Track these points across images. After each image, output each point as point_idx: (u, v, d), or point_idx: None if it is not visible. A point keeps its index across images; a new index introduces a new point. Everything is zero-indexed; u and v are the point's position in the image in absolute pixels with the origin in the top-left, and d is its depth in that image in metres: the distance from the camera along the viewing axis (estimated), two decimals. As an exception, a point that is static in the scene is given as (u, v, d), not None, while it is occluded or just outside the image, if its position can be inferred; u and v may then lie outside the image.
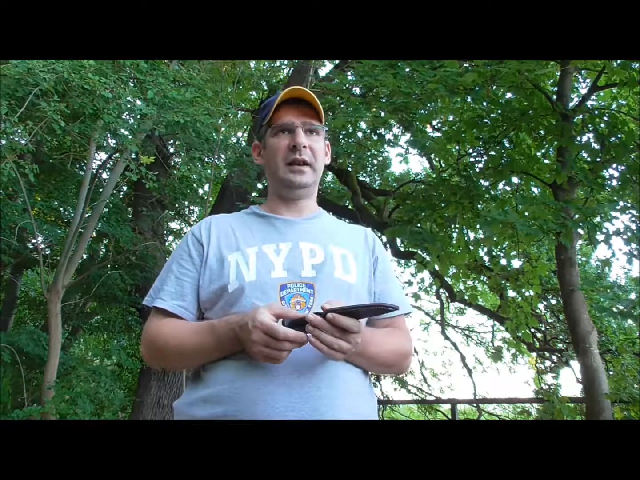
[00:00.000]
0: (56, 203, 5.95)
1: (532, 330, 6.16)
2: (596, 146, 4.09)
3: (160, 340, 1.09)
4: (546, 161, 4.63)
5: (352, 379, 1.05)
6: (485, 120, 4.38)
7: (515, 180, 4.75)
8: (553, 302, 7.01)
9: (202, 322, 1.10)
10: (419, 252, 5.40)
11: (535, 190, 4.86)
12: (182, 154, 4.73)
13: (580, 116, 4.21)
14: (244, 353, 1.00)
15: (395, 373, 1.27)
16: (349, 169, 6.71)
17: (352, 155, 6.48)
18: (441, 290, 7.27)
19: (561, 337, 7.02)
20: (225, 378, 1.01)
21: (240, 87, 6.87)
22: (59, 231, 5.65)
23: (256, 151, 1.29)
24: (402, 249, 6.81)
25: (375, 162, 7.62)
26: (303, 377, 0.98)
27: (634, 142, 3.80)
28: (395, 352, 1.13)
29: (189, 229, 1.38)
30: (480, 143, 4.56)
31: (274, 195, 1.25)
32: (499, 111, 4.28)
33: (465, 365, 7.65)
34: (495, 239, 4.04)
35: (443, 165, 5.89)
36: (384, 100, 4.25)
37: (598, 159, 4.03)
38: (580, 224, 3.71)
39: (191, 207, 8.04)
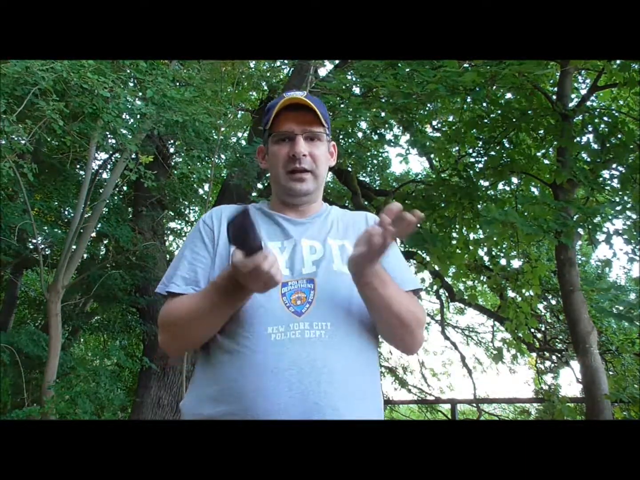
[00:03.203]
0: (56, 203, 5.93)
1: (532, 330, 6.16)
2: (596, 146, 4.09)
3: (172, 316, 1.10)
4: (546, 161, 4.63)
5: (355, 373, 1.04)
6: (485, 121, 4.38)
7: (515, 180, 4.75)
8: (553, 302, 7.00)
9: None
10: (419, 252, 5.40)
11: (535, 190, 4.86)
12: (182, 154, 4.73)
13: (580, 116, 4.21)
14: (243, 345, 1.01)
15: (407, 341, 1.18)
16: (349, 169, 6.71)
17: (353, 155, 6.47)
18: (441, 290, 7.27)
19: (561, 337, 7.02)
20: (228, 376, 1.02)
21: (240, 88, 6.86)
22: (59, 231, 5.64)
23: (260, 155, 1.29)
24: (402, 249, 6.80)
25: (375, 162, 7.62)
26: (303, 373, 0.98)
27: (634, 142, 3.80)
28: (411, 311, 1.10)
29: (200, 217, 1.37)
30: (480, 143, 4.56)
31: (277, 199, 1.25)
32: (499, 111, 4.28)
33: (465, 365, 7.64)
34: (495, 239, 4.04)
35: (443, 165, 5.89)
36: (383, 100, 4.25)
37: (598, 159, 4.03)
38: (581, 224, 3.71)
39: (191, 207, 8.03)
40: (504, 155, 4.39)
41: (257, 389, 0.98)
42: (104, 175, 6.37)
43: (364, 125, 5.54)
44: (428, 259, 4.94)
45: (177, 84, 4.57)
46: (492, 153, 4.42)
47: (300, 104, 1.17)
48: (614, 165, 4.04)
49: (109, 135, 4.47)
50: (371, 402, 1.07)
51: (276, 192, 1.25)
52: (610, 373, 5.47)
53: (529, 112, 4.14)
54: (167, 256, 6.65)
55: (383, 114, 4.30)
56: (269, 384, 0.97)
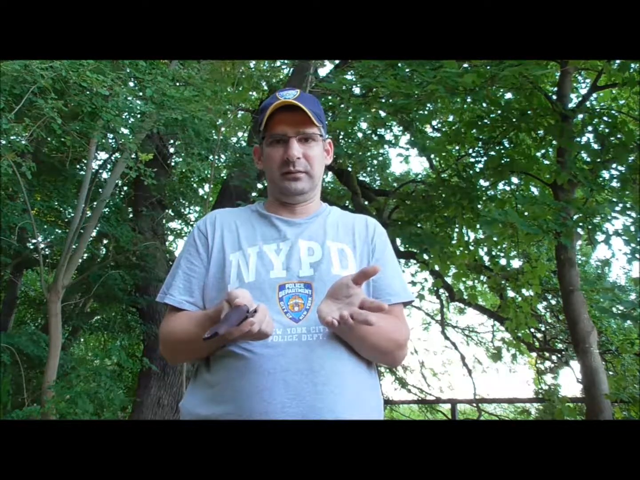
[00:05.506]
0: (56, 203, 5.93)
1: (532, 330, 6.17)
2: (596, 146, 4.09)
3: (170, 335, 1.14)
4: (546, 161, 4.63)
5: (352, 374, 1.04)
6: (485, 121, 4.38)
7: (515, 180, 4.75)
8: (553, 302, 7.00)
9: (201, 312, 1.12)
10: (419, 252, 5.39)
11: (535, 190, 4.86)
12: (182, 154, 4.74)
13: (580, 116, 4.21)
14: (241, 347, 1.02)
15: (389, 363, 1.26)
16: (349, 169, 6.71)
17: (353, 156, 6.48)
18: (441, 290, 7.26)
19: (561, 337, 7.02)
20: (226, 377, 1.02)
21: (240, 88, 6.86)
22: (59, 231, 5.64)
23: (257, 156, 1.29)
24: (402, 249, 6.80)
25: (375, 162, 7.62)
26: (300, 374, 0.99)
27: (633, 142, 3.80)
28: (390, 339, 1.10)
29: (195, 223, 1.39)
30: (480, 143, 4.56)
31: (273, 199, 1.25)
32: (499, 112, 4.28)
33: (465, 365, 7.64)
34: (495, 239, 4.04)
35: (443, 165, 5.89)
36: (383, 101, 4.26)
37: (598, 159, 4.03)
38: (581, 224, 3.71)
39: (191, 207, 8.04)
40: (504, 155, 4.38)
41: (254, 390, 0.98)
42: (104, 175, 6.37)
43: (364, 125, 5.54)
44: (428, 258, 4.93)
45: (177, 83, 4.57)
46: (492, 153, 4.42)
47: (292, 105, 1.15)
48: (614, 165, 4.04)
49: (108, 135, 4.47)
50: (370, 403, 1.07)
51: (272, 192, 1.25)
52: (610, 373, 5.46)
53: (529, 112, 4.14)
54: (167, 256, 6.65)
55: (383, 115, 4.31)
56: (266, 385, 0.98)
